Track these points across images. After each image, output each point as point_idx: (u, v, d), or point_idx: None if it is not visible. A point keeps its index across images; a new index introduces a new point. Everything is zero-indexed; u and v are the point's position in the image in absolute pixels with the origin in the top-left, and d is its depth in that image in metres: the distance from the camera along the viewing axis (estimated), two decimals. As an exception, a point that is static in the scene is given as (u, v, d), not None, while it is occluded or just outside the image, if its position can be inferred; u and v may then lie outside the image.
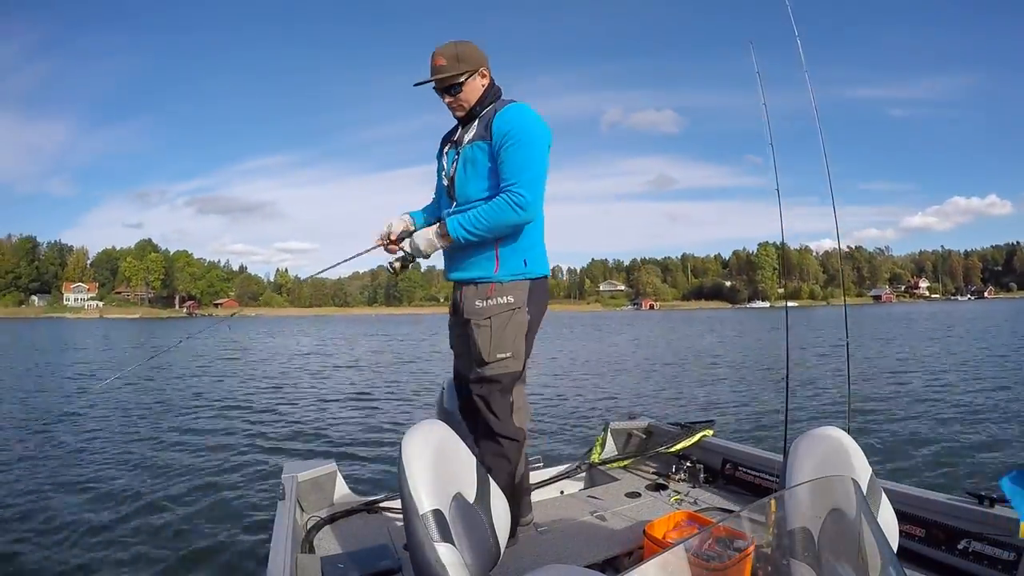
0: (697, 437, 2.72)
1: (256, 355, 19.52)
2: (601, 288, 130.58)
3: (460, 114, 2.04)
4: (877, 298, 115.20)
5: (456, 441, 1.49)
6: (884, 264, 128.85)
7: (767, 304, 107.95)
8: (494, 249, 1.96)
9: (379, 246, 2.15)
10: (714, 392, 8.92)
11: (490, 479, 1.56)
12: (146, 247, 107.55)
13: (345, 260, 2.44)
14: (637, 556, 1.87)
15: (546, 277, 2.08)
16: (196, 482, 5.31)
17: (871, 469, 1.38)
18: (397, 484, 1.34)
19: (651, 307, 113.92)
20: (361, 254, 2.27)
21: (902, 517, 1.63)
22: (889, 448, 5.43)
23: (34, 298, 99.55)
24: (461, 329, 2.05)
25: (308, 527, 2.18)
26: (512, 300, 1.94)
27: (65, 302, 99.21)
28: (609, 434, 3.04)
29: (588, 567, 1.78)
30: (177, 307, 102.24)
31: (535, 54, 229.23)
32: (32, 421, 8.28)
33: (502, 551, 1.51)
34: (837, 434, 1.38)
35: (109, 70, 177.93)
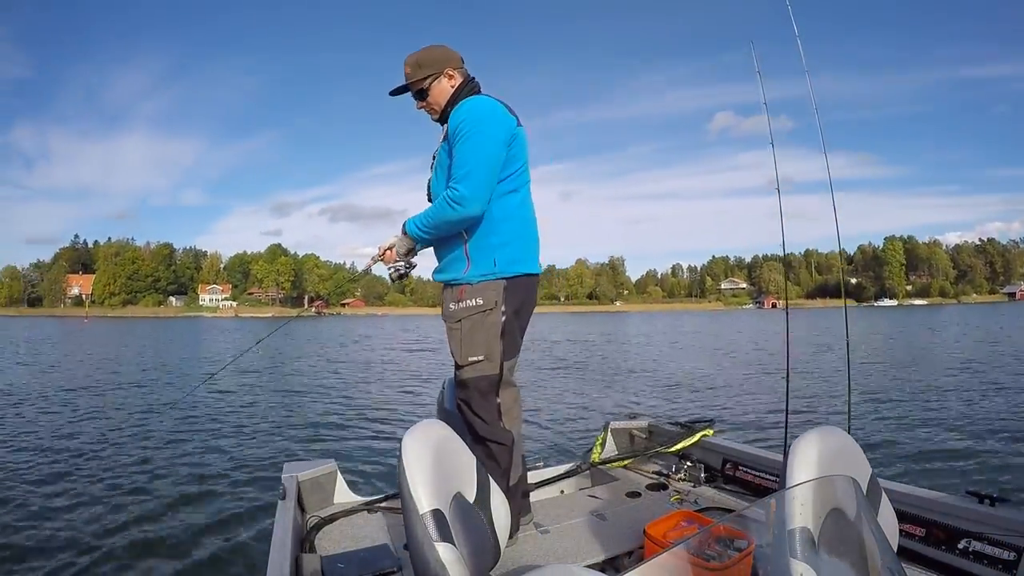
0: (697, 437, 2.72)
1: (297, 354, 19.55)
2: (722, 286, 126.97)
3: (435, 117, 2.08)
4: (1012, 295, 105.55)
5: (456, 441, 1.49)
6: (1019, 257, 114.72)
7: (894, 302, 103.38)
8: (463, 250, 1.95)
9: (377, 260, 2.16)
10: (714, 391, 8.92)
11: (490, 479, 1.56)
12: (276, 251, 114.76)
13: (355, 278, 2.50)
14: (638, 556, 1.87)
15: (528, 275, 2.01)
16: (197, 482, 5.31)
17: (871, 469, 1.38)
18: (397, 484, 1.34)
19: (773, 305, 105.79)
20: (365, 270, 2.47)
21: (902, 517, 1.63)
22: (890, 447, 5.43)
23: (172, 299, 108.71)
24: None
25: (308, 527, 2.18)
26: (482, 302, 1.91)
27: (201, 303, 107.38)
28: (609, 433, 3.04)
29: (588, 567, 1.78)
30: (306, 307, 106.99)
31: (647, 51, 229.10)
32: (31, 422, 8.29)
33: (502, 551, 1.51)
34: (837, 433, 1.38)
35: (235, 90, 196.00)
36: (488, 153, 1.85)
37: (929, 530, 1.78)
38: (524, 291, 2.02)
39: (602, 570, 1.80)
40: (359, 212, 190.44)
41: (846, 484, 0.91)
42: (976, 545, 1.67)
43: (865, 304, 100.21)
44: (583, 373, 11.88)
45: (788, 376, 2.79)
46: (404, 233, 2.00)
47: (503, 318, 1.93)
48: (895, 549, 1.08)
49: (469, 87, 2.03)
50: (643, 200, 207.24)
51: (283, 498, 2.12)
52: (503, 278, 1.93)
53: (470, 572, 1.26)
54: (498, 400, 1.99)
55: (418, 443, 1.34)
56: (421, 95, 2.04)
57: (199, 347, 24.81)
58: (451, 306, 1.95)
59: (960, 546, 1.70)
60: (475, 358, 1.92)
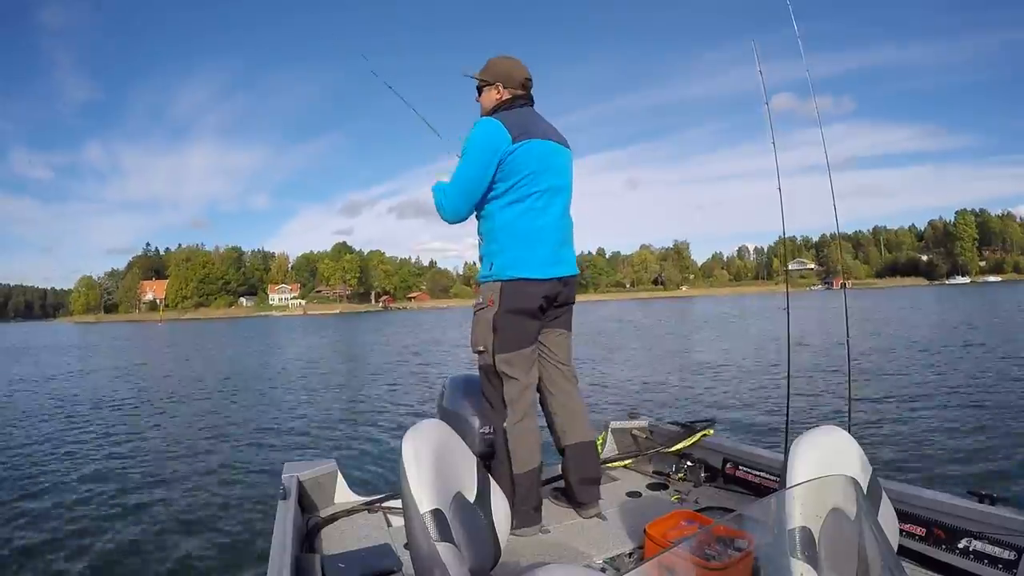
0: (698, 436, 2.72)
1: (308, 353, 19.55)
2: (790, 267, 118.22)
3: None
4: None
5: (457, 441, 1.49)
6: None
7: (967, 279, 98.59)
8: (480, 254, 2.24)
9: None
10: (715, 391, 8.91)
11: (491, 478, 1.56)
12: (341, 249, 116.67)
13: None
14: (638, 555, 1.87)
15: (525, 280, 2.11)
16: (197, 482, 5.32)
17: (872, 468, 1.38)
18: (398, 483, 1.34)
19: (843, 285, 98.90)
20: None
21: (903, 516, 1.63)
22: (890, 447, 5.43)
23: (243, 300, 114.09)
24: None
25: (309, 527, 2.18)
26: (481, 300, 2.17)
27: (270, 302, 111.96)
28: (610, 433, 3.04)
29: (588, 567, 1.79)
30: (373, 302, 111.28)
31: (700, 31, 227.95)
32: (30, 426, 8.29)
33: (502, 550, 1.51)
34: (838, 433, 1.38)
35: (296, 96, 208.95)
36: (465, 174, 2.12)
37: (930, 530, 1.78)
38: (525, 293, 2.11)
39: (602, 570, 1.80)
40: (425, 208, 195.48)
41: (846, 484, 0.91)
42: (977, 544, 1.67)
43: (937, 283, 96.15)
44: (581, 372, 11.88)
45: (789, 376, 2.79)
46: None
47: (495, 316, 2.12)
48: (895, 549, 1.08)
49: (509, 106, 2.23)
50: (707, 182, 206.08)
51: (284, 498, 2.12)
52: (499, 281, 2.13)
53: (470, 571, 1.26)
54: (503, 390, 2.13)
55: (418, 443, 1.34)
56: (478, 93, 2.33)
57: (265, 343, 25.91)
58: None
59: (960, 545, 1.70)
60: (479, 348, 2.17)
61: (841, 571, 0.93)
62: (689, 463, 2.63)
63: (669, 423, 2.95)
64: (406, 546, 1.44)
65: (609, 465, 2.78)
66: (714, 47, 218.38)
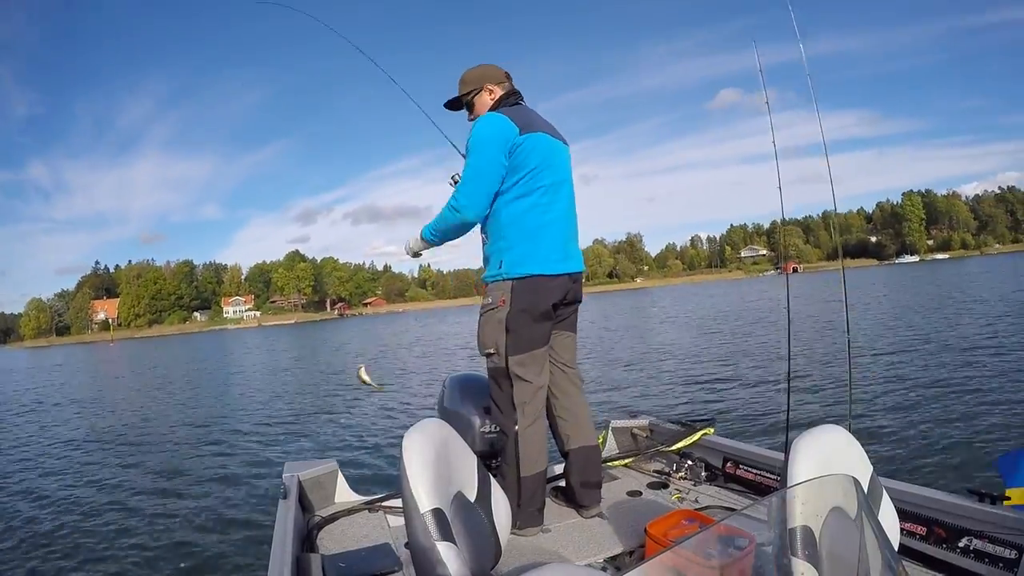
0: (698, 435, 2.72)
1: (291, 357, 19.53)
2: (743, 254, 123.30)
3: None
4: None
5: (457, 440, 1.49)
6: None
7: (916, 258, 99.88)
8: (485, 253, 2.19)
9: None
10: (715, 390, 8.91)
11: (491, 478, 1.56)
12: (295, 257, 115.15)
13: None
14: (639, 555, 1.87)
15: (538, 276, 2.07)
16: (198, 482, 5.33)
17: (872, 467, 1.38)
18: (398, 483, 1.34)
19: (794, 270, 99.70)
20: None
21: (903, 515, 1.63)
22: (890, 445, 5.43)
23: (196, 314, 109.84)
24: None
25: (309, 526, 2.18)
26: (491, 300, 2.11)
27: (225, 315, 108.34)
28: (610, 432, 3.04)
29: (589, 566, 1.79)
30: (329, 310, 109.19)
31: (648, 26, 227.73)
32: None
33: (503, 549, 1.51)
34: (838, 432, 1.37)
35: (241, 104, 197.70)
36: (479, 166, 2.05)
37: (930, 528, 1.78)
38: (537, 290, 2.07)
39: (603, 569, 1.80)
40: (380, 212, 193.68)
41: (847, 483, 0.91)
42: (977, 543, 1.67)
43: (887, 263, 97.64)
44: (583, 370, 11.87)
45: (789, 376, 2.79)
46: (420, 235, 2.25)
47: (508, 316, 2.06)
48: (896, 548, 1.08)
49: (507, 101, 2.21)
50: (656, 175, 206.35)
51: (284, 497, 2.12)
52: (510, 279, 2.07)
53: (471, 571, 1.26)
54: (512, 392, 2.09)
55: (419, 442, 1.34)
56: (467, 109, 2.30)
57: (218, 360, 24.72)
58: (481, 303, 2.19)
59: (961, 544, 1.70)
60: (488, 350, 2.12)
61: (842, 570, 0.93)
62: (689, 462, 2.63)
63: (669, 422, 2.95)
64: (406, 546, 1.44)
65: (610, 464, 2.78)
66: (660, 41, 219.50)
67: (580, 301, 2.30)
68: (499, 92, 2.24)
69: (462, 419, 2.29)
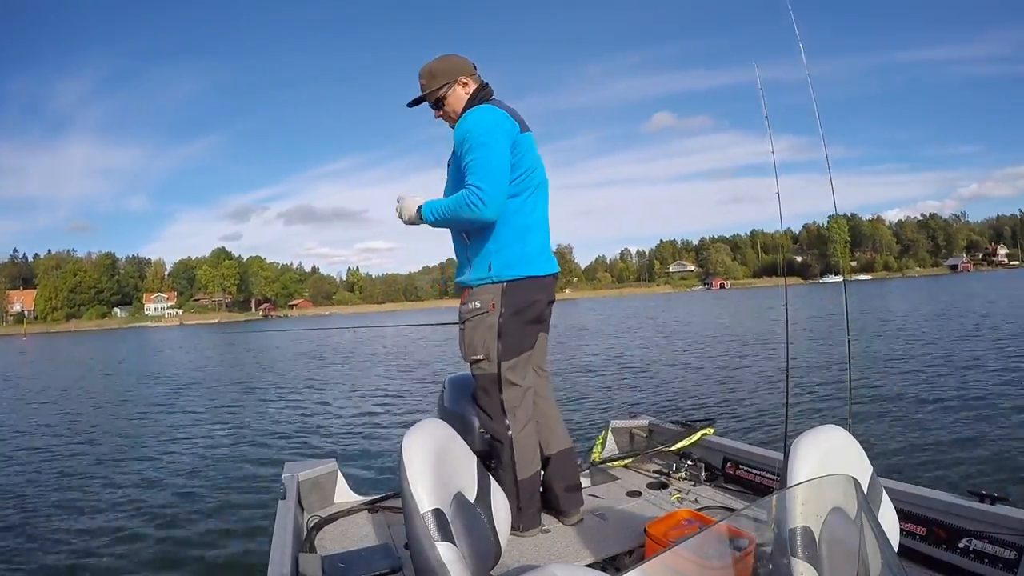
0: (698, 435, 2.72)
1: (268, 355, 19.52)
2: (671, 269, 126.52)
3: (452, 126, 2.10)
4: (954, 268, 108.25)
5: (457, 440, 1.49)
6: (960, 231, 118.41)
7: (840, 278, 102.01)
8: (465, 254, 2.08)
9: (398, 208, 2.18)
10: (715, 390, 8.91)
11: (491, 478, 1.56)
12: (220, 255, 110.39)
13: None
14: (638, 555, 1.87)
15: (529, 278, 2.03)
16: (197, 482, 5.32)
17: (872, 467, 1.38)
18: (398, 483, 1.34)
19: (721, 286, 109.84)
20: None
21: (903, 516, 1.63)
22: (890, 446, 5.43)
23: (116, 310, 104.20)
24: None
25: (309, 526, 2.18)
26: (479, 305, 2.00)
27: (146, 312, 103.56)
28: (610, 432, 3.04)
29: (589, 566, 1.79)
30: (253, 310, 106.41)
31: (586, 43, 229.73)
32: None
33: (503, 550, 1.51)
34: (838, 432, 1.37)
35: (175, 95, 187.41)
36: (500, 161, 1.91)
37: (930, 529, 1.78)
38: (528, 293, 2.04)
39: (603, 569, 1.80)
40: (315, 213, 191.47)
41: (847, 483, 0.91)
42: (977, 544, 1.67)
43: (811, 281, 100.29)
44: (583, 370, 11.90)
45: (788, 376, 2.79)
46: (419, 211, 2.06)
47: (500, 320, 2.00)
48: (896, 548, 1.08)
49: (481, 95, 2.09)
50: (592, 188, 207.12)
51: (283, 498, 2.12)
52: (500, 282, 2.00)
53: (471, 571, 1.26)
54: (502, 398, 2.03)
55: (419, 442, 1.34)
56: (438, 104, 2.11)
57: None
58: (461, 307, 2.07)
59: (961, 545, 1.70)
60: (476, 357, 2.02)
61: (842, 571, 0.93)
62: (689, 462, 2.63)
63: (669, 422, 2.95)
64: (406, 546, 1.44)
65: (609, 464, 2.78)
66: (600, 59, 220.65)
67: (554, 301, 2.22)
68: (472, 85, 2.10)
69: (462, 419, 2.29)
